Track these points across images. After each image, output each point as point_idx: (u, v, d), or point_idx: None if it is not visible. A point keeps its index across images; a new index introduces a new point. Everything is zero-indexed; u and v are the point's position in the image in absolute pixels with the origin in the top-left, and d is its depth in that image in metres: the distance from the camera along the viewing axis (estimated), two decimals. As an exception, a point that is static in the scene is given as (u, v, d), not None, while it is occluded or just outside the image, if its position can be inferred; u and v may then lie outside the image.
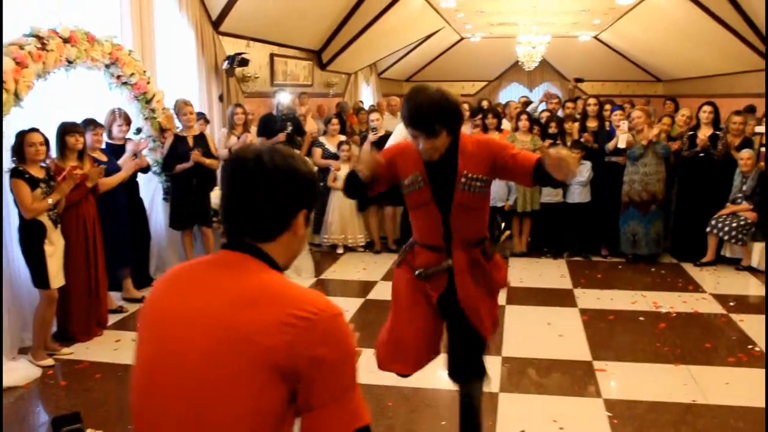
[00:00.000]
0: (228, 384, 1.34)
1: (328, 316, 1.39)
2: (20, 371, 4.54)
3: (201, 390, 1.36)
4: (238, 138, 7.53)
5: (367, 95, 15.55)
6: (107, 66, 5.91)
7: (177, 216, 6.69)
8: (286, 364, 1.34)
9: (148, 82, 6.40)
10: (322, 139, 8.49)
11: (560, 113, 8.92)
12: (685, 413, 4.03)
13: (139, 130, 6.49)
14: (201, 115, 7.58)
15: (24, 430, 3.98)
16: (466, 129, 8.31)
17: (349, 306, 5.97)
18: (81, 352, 5.04)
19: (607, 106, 8.42)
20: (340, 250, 8.07)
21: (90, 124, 5.66)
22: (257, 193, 1.47)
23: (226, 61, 8.55)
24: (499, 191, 7.71)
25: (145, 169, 6.35)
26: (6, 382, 4.34)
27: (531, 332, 5.40)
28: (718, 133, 7.36)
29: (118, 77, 6.09)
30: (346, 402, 1.40)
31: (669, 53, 13.98)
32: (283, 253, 1.52)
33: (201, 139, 6.68)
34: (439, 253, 2.95)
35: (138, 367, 1.49)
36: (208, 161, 6.62)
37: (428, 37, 15.58)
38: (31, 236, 4.70)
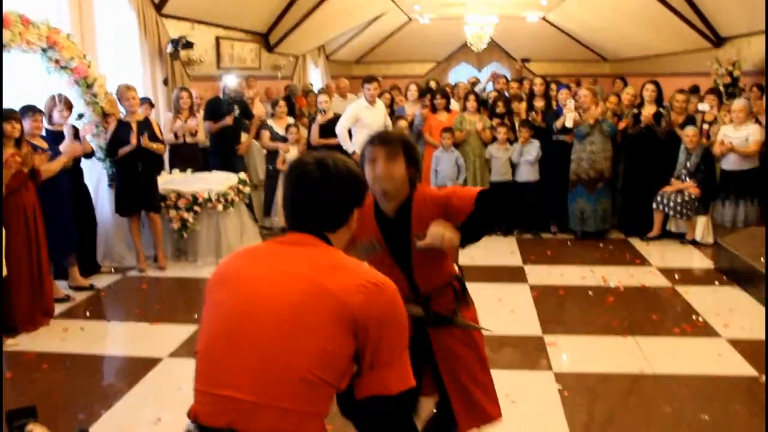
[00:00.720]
0: (310, 329, 1.55)
1: (391, 288, 1.66)
2: (-38, 364, 4.40)
3: (286, 335, 1.56)
4: (184, 122, 7.39)
5: (316, 78, 15.41)
6: (44, 50, 5.74)
7: (123, 202, 6.53)
8: (360, 320, 1.57)
9: (89, 66, 6.22)
10: (270, 122, 8.41)
11: (507, 93, 8.99)
12: (633, 383, 4.13)
13: (81, 116, 6.33)
14: (145, 100, 7.42)
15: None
16: (414, 109, 8.32)
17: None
18: (27, 342, 4.90)
19: (553, 86, 8.50)
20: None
21: (29, 110, 5.48)
22: (324, 196, 1.72)
23: (170, 44, 8.37)
24: (448, 171, 7.75)
25: (89, 155, 6.19)
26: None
27: (482, 308, 5.33)
28: (661, 110, 7.51)
29: (57, 61, 5.91)
30: (402, 362, 1.65)
31: (615, 33, 14.17)
32: (339, 243, 1.77)
33: (145, 124, 6.53)
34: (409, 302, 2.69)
35: (213, 316, 1.67)
36: (155, 146, 6.48)
37: (376, 18, 15.50)
38: (-30, 226, 4.55)
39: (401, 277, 2.69)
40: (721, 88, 9.18)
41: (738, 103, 7.15)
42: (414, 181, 2.65)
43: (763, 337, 4.59)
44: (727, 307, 5.39)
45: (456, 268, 2.91)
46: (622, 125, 7.65)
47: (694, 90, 9.16)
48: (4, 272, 4.73)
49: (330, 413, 1.66)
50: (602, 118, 7.41)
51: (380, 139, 2.58)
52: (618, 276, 6.25)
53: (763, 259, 5.58)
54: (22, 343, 4.88)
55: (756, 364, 4.26)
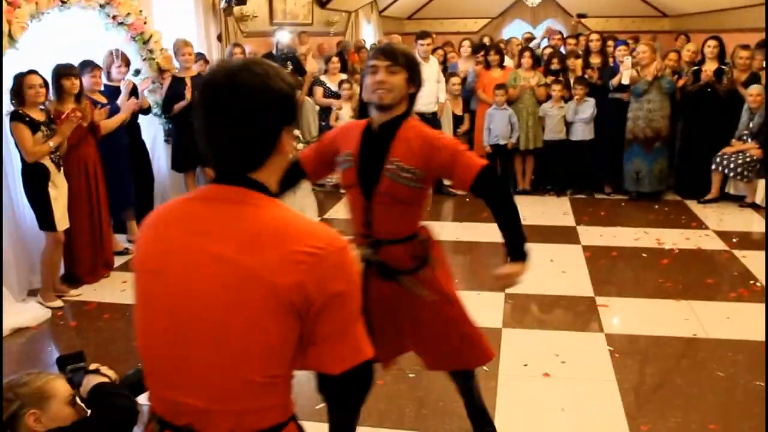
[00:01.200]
0: (247, 328, 1.33)
1: (335, 249, 1.36)
2: (30, 313, 4.60)
3: (222, 338, 1.35)
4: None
5: (369, 34, 15.28)
6: (102, 6, 5.82)
7: (179, 157, 6.67)
8: (299, 301, 1.32)
9: (145, 23, 6.29)
10: (323, 78, 8.41)
11: (563, 50, 8.80)
12: (687, 347, 4.09)
13: (137, 72, 6.42)
14: (200, 56, 7.48)
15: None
16: (467, 66, 8.21)
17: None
18: (89, 293, 5.10)
19: (610, 42, 8.29)
20: (343, 190, 8.04)
21: (87, 66, 5.57)
22: (235, 120, 1.37)
23: (224, 0, 8.39)
24: (502, 129, 7.67)
25: (146, 111, 6.30)
26: (17, 324, 4.42)
27: (534, 268, 5.41)
28: (723, 67, 7.25)
29: (114, 17, 5.99)
30: (350, 335, 1.39)
31: (676, -14, 13.67)
32: (273, 177, 1.46)
33: (198, 80, 6.60)
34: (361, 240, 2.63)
35: (144, 311, 1.46)
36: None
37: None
38: (35, 180, 4.70)
39: (359, 203, 2.61)
40: (790, 45, 8.79)
41: (806, 61, 6.86)
42: (413, 100, 2.58)
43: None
44: (787, 273, 5.27)
45: (429, 234, 2.71)
46: (680, 82, 7.43)
47: (762, 46, 8.78)
48: (67, 224, 4.90)
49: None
50: (660, 74, 7.20)
51: (382, 51, 2.52)
52: (673, 238, 6.14)
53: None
54: (84, 293, 5.08)
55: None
